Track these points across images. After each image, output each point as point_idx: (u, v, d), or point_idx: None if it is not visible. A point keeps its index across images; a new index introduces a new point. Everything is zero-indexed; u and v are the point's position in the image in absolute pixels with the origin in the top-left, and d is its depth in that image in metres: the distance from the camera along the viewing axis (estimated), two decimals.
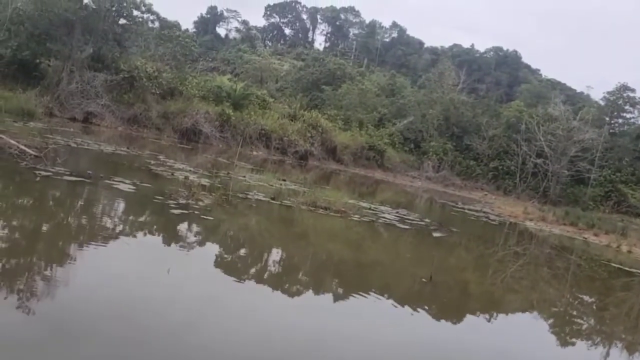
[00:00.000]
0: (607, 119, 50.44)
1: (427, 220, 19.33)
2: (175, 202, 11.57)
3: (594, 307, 12.07)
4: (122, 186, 12.23)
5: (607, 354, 8.31)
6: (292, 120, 38.71)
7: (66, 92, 28.72)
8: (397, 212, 18.74)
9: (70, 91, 28.87)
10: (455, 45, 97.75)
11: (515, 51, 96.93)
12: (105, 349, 4.73)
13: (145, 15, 36.37)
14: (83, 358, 4.48)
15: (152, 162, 18.03)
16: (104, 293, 6.04)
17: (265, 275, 8.77)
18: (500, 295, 11.24)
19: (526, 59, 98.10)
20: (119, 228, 9.21)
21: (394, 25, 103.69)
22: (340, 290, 8.74)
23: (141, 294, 6.26)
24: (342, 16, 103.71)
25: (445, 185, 43.06)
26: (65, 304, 5.57)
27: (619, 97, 50.57)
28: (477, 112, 50.71)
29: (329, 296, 8.34)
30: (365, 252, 12.25)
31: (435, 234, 16.09)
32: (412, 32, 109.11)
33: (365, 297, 8.45)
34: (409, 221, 17.43)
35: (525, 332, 8.61)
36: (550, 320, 9.70)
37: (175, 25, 58.43)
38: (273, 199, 15.29)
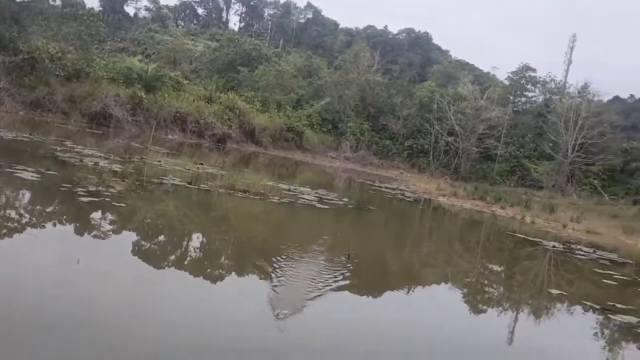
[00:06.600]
0: (511, 97, 53.33)
1: (345, 199, 19.67)
2: (84, 189, 11.00)
3: (503, 275, 12.84)
4: (24, 175, 11.46)
5: (516, 319, 8.87)
6: (208, 103, 37.95)
7: None
8: (316, 193, 18.92)
9: None
10: (369, 26, 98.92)
11: (427, 32, 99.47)
12: (21, 354, 4.44)
13: None
14: None
15: (58, 148, 17.03)
16: (12, 290, 5.66)
17: (186, 262, 8.57)
18: (417, 269, 11.67)
19: (437, 40, 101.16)
20: (25, 219, 8.64)
21: (309, 5, 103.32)
22: (262, 273, 8.70)
23: (54, 289, 5.92)
24: None
25: (363, 164, 44.01)
26: None
27: (522, 77, 53.57)
28: (391, 93, 51.99)
29: (251, 278, 8.30)
30: (285, 234, 12.28)
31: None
32: (327, 13, 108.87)
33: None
34: (328, 201, 17.65)
35: (441, 303, 9.00)
36: (464, 290, 10.20)
37: (79, 3, 55.10)
38: (190, 183, 14.93)
